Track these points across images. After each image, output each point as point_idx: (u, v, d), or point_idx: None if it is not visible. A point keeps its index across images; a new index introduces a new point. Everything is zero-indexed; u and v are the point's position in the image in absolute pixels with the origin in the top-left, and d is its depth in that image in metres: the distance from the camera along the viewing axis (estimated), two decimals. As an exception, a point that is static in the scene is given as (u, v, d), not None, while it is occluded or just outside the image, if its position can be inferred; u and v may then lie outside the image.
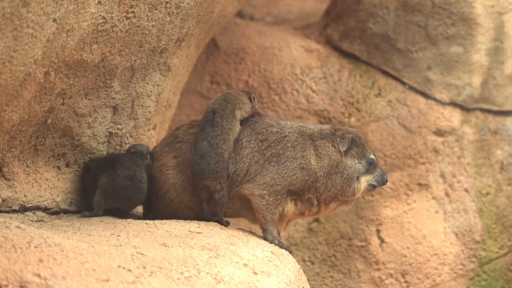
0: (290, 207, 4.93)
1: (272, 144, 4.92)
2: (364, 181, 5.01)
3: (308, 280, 4.74)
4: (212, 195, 4.80)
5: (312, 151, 4.95)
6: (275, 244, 4.73)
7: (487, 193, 7.05)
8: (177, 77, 5.62)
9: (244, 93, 5.16)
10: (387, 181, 5.11)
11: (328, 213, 5.24)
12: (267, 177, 4.85)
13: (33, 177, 4.71)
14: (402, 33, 6.96)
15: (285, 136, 4.96)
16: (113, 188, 4.90)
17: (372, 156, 5.06)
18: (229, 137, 4.84)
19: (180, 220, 4.72)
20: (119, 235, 4.22)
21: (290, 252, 4.75)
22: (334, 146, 4.98)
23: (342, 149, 4.98)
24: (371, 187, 5.06)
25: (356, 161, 5.00)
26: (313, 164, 4.91)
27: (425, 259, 6.89)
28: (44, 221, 4.61)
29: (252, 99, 5.14)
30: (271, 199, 4.82)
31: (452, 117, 7.03)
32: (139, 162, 5.00)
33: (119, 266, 3.59)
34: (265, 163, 4.87)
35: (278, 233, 4.97)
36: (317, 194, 4.93)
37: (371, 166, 5.03)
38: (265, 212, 4.83)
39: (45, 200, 4.78)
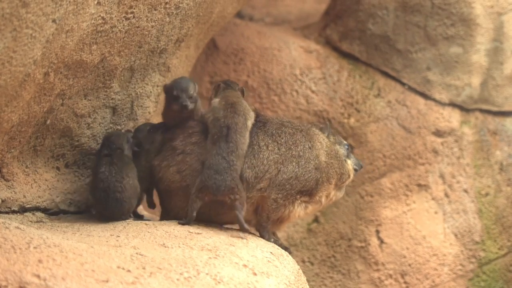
0: (298, 211, 4.95)
1: (292, 147, 4.92)
2: (350, 163, 5.16)
3: (308, 281, 4.74)
4: (231, 204, 4.70)
5: (319, 144, 5.02)
6: (272, 242, 4.76)
7: (487, 194, 7.05)
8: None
9: (240, 93, 5.09)
10: (362, 166, 5.35)
11: (326, 205, 5.25)
12: (286, 184, 4.85)
13: (32, 177, 4.70)
14: (402, 33, 6.96)
15: (302, 136, 4.99)
16: (94, 198, 4.83)
17: (346, 142, 5.29)
18: (243, 152, 4.76)
19: (180, 221, 4.72)
20: (119, 236, 4.22)
21: (288, 251, 4.76)
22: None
23: (325, 135, 5.17)
24: (355, 171, 5.25)
25: (338, 146, 5.19)
26: (323, 160, 4.98)
27: (425, 259, 6.89)
28: (43, 221, 4.61)
29: (243, 93, 5.12)
30: (281, 202, 4.84)
31: (452, 118, 7.03)
32: (117, 168, 4.77)
33: (118, 267, 3.59)
34: (284, 164, 4.87)
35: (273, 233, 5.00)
36: (328, 188, 4.98)
37: (348, 151, 5.24)
38: (272, 214, 4.85)
39: (44, 201, 4.77)
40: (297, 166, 4.86)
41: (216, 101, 4.98)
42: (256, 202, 4.84)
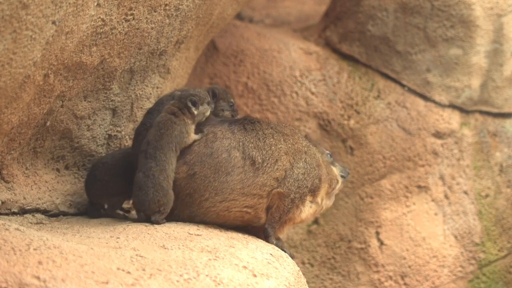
0: (305, 211, 4.96)
1: (296, 142, 4.94)
2: (336, 170, 5.16)
3: (308, 282, 4.74)
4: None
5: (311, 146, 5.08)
6: (274, 244, 4.75)
7: (487, 195, 7.05)
8: (176, 79, 5.62)
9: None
10: (348, 173, 5.29)
11: (319, 212, 5.25)
12: (303, 180, 4.86)
13: (32, 179, 4.71)
14: (401, 35, 6.96)
15: (300, 135, 5.03)
16: None
17: (328, 151, 5.26)
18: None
19: (179, 222, 4.72)
20: (119, 237, 4.22)
21: (291, 256, 4.77)
22: None
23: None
24: (342, 178, 5.21)
25: (322, 155, 5.16)
26: (320, 159, 5.01)
27: (425, 261, 6.89)
28: (43, 223, 4.61)
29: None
30: (297, 202, 4.86)
31: (451, 119, 7.03)
32: None
33: (118, 269, 3.59)
34: (295, 158, 4.87)
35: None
36: (323, 190, 4.99)
37: (332, 159, 5.22)
38: (284, 214, 4.84)
39: (44, 203, 4.77)
40: (305, 162, 4.88)
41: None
42: (271, 201, 4.82)
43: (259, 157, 4.74)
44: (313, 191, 4.93)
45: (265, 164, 4.74)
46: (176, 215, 4.73)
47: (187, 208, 4.73)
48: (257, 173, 4.72)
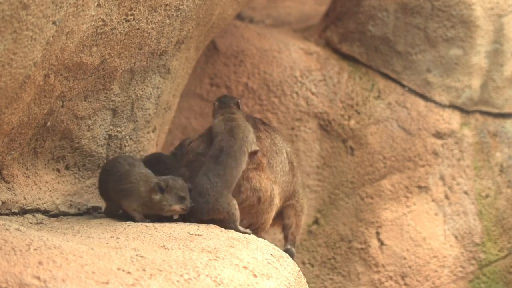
0: None
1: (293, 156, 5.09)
2: None
3: (308, 282, 4.74)
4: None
5: None
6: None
7: (487, 196, 7.04)
8: (177, 79, 5.62)
9: (235, 107, 5.07)
10: None
11: None
12: (301, 193, 4.98)
13: (32, 179, 4.71)
14: (402, 35, 6.96)
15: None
16: None
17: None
18: (232, 176, 4.68)
19: (180, 223, 4.72)
20: (119, 238, 4.22)
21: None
22: None
23: None
24: None
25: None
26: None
27: (425, 261, 6.89)
28: (43, 223, 4.61)
29: (239, 106, 5.12)
30: (305, 208, 5.05)
31: (452, 120, 7.03)
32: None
33: (118, 269, 3.59)
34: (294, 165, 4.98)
35: None
36: None
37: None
38: (300, 229, 4.98)
39: (44, 203, 4.77)
40: (297, 177, 4.95)
41: (216, 123, 4.97)
42: (287, 218, 4.90)
43: (294, 162, 4.85)
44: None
45: (295, 171, 4.85)
46: None
47: None
48: (292, 180, 4.84)
